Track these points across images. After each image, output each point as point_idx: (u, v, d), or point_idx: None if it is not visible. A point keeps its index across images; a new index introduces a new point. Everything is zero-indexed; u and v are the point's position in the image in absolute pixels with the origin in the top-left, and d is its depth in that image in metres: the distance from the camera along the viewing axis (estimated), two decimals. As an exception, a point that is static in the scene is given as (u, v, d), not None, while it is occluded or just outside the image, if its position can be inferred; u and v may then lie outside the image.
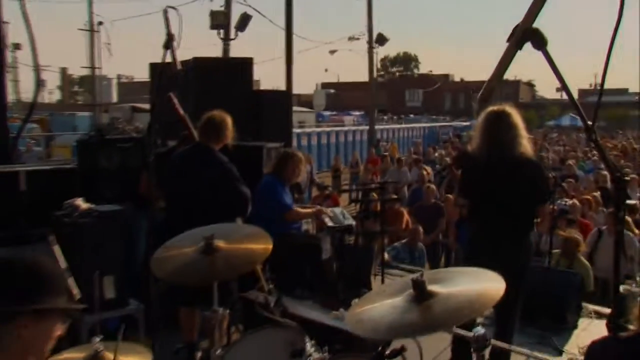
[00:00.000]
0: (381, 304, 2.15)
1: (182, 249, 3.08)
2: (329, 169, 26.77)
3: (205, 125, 5.17)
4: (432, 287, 2.11)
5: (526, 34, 2.18)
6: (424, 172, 13.54)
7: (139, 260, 5.84)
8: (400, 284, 2.29)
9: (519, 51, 2.19)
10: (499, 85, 2.23)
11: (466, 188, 4.83)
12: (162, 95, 5.35)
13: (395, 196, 11.15)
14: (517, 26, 2.24)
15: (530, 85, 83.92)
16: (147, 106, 21.54)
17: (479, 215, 4.64)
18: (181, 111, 5.56)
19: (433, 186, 11.63)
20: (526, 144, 4.47)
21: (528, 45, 2.21)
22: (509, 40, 2.20)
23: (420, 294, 2.09)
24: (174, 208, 5.17)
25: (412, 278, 2.12)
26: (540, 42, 2.20)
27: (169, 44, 3.71)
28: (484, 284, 2.11)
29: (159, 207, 5.56)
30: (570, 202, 10.23)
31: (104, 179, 6.61)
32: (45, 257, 1.87)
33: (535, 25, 2.20)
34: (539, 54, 2.23)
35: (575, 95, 2.44)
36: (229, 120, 5.21)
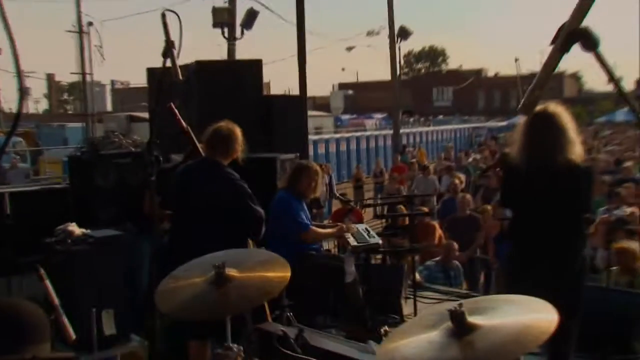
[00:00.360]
0: (416, 339, 2.13)
1: (190, 280, 3.08)
2: (349, 179, 27.11)
3: (212, 138, 5.20)
4: (473, 319, 2.09)
5: (574, 36, 2.13)
6: (457, 181, 13.48)
7: (142, 291, 5.86)
8: (437, 314, 2.27)
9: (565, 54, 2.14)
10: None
11: (506, 198, 4.81)
12: (162, 105, 5.37)
13: (425, 209, 11.13)
14: (562, 26, 2.18)
15: (576, 77, 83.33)
16: (145, 115, 21.63)
17: (519, 230, 4.61)
18: (184, 123, 5.58)
19: (468, 196, 11.60)
20: (574, 149, 4.42)
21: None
22: (553, 42, 2.17)
23: (460, 328, 2.07)
24: (180, 231, 5.21)
25: (449, 309, 2.10)
26: (591, 43, 2.15)
27: (168, 52, 3.72)
28: (533, 315, 2.09)
29: (162, 230, 5.59)
30: (628, 210, 9.99)
31: (99, 199, 6.65)
32: (23, 300, 1.84)
33: (583, 24, 2.15)
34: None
35: (632, 86, 2.39)
36: (238, 131, 5.24)
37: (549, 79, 2.21)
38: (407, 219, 8.78)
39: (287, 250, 5.60)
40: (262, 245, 5.98)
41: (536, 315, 2.10)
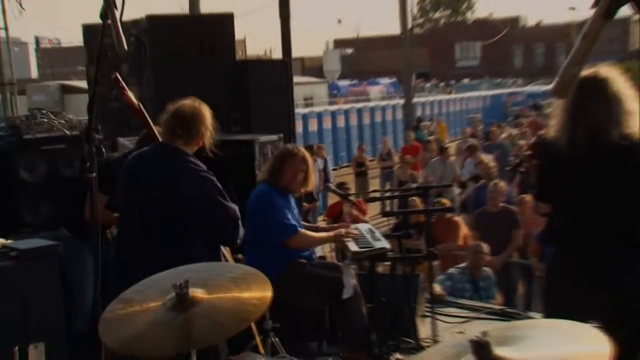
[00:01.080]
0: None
1: (143, 304, 3.06)
2: (349, 163, 27.25)
3: (172, 119, 5.19)
4: (501, 352, 2.07)
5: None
6: (487, 163, 13.22)
7: (83, 319, 5.82)
8: (457, 344, 2.27)
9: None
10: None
11: (545, 190, 4.83)
12: (105, 75, 5.31)
13: (446, 202, 11.12)
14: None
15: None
16: (83, 84, 21.33)
17: (563, 231, 4.61)
18: (134, 100, 5.55)
19: (502, 184, 11.44)
20: (635, 122, 4.33)
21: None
22: (595, 5, 2.15)
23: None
24: (130, 239, 5.22)
25: (471, 339, 2.10)
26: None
27: (107, 12, 3.69)
28: (580, 348, 2.07)
29: (108, 238, 5.57)
30: None
31: (24, 198, 6.62)
32: None
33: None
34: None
35: None
36: (205, 110, 5.24)
37: (589, 51, 2.18)
38: (422, 215, 8.87)
39: (270, 260, 5.76)
40: (239, 253, 6.06)
41: (584, 348, 2.08)
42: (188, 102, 5.24)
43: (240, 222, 5.15)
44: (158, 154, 5.25)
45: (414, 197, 10.31)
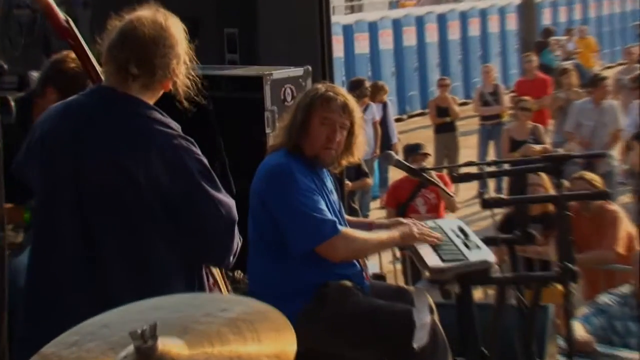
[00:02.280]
0: None
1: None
2: (425, 110, 19.36)
3: (120, 47, 3.52)
4: None
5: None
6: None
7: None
8: None
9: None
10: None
11: None
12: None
13: (597, 180, 8.05)
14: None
15: None
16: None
17: None
18: (59, 13, 4.02)
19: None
20: None
21: None
22: None
23: None
24: (53, 252, 3.59)
25: None
26: None
27: None
28: None
29: (16, 243, 4.11)
30: None
31: None
32: None
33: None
34: None
35: None
36: (175, 29, 3.57)
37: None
38: (552, 203, 5.95)
39: (290, 282, 4.32)
40: (237, 269, 4.64)
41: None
42: (147, 15, 3.55)
43: (236, 225, 3.56)
44: (98, 109, 3.56)
45: (537, 172, 7.15)
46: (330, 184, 4.61)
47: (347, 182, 8.17)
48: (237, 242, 3.53)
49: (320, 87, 4.63)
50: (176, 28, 3.53)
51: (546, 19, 24.88)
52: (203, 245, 3.54)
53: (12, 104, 4.41)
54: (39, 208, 3.67)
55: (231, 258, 3.56)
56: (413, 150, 9.20)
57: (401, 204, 9.29)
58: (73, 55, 4.21)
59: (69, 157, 3.48)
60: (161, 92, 3.58)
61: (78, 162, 3.47)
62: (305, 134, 4.41)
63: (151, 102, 3.53)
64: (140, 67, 3.46)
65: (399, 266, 8.90)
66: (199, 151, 3.47)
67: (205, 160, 3.48)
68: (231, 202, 3.50)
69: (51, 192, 3.54)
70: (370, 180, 12.02)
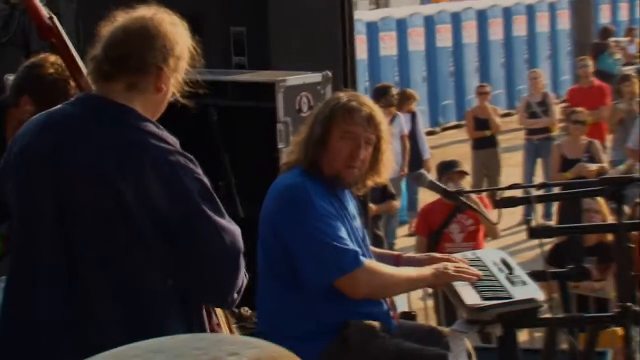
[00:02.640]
0: None
1: None
2: (461, 122, 17.65)
3: (111, 49, 3.25)
4: None
5: None
6: None
7: None
8: None
9: None
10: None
11: None
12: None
13: None
14: None
15: None
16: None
17: None
18: (41, 9, 3.68)
19: None
20: None
21: None
22: None
23: None
24: (30, 283, 3.30)
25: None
26: None
27: None
28: None
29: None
30: None
31: None
32: None
33: None
34: None
35: None
36: (174, 29, 3.27)
37: None
38: (611, 233, 5.82)
39: (307, 321, 4.01)
40: (245, 305, 4.31)
41: None
42: (144, 15, 3.30)
43: (242, 256, 3.24)
44: (84, 118, 3.29)
45: (593, 197, 6.82)
46: (352, 208, 4.25)
47: (371, 205, 7.73)
48: (243, 277, 3.23)
49: (342, 95, 4.29)
50: (174, 27, 3.28)
51: (604, 17, 22.87)
52: (200, 279, 3.23)
53: None
54: (17, 227, 3.39)
55: (235, 295, 3.24)
56: (447, 169, 8.47)
57: (434, 232, 8.59)
58: (52, 59, 4.01)
59: (48, 169, 3.23)
60: (160, 103, 3.32)
61: (57, 173, 3.22)
62: (324, 150, 4.09)
63: (150, 114, 3.25)
64: (128, 70, 3.20)
65: (430, 303, 8.44)
66: (199, 170, 3.19)
67: (207, 181, 3.21)
68: (236, 230, 3.20)
69: (29, 208, 3.31)
70: (397, 203, 11.36)
